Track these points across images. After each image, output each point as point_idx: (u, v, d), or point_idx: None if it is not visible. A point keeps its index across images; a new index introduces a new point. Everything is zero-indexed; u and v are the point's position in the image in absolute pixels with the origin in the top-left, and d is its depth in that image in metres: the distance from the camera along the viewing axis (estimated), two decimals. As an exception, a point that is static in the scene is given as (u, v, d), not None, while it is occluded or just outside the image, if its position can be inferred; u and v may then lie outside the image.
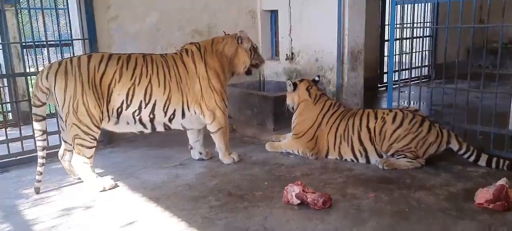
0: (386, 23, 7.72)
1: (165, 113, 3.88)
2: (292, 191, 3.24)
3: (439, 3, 5.19)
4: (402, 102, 5.22)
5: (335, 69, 5.52)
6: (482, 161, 3.91)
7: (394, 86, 5.02)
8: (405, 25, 4.94)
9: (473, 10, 4.17)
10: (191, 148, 4.40)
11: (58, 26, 5.22)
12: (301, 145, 4.38)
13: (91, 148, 3.64)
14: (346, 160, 4.23)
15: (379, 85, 8.16)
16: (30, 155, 4.35)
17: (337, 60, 5.45)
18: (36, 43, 5.11)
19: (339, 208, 3.18)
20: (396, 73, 4.92)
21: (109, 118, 3.74)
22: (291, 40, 6.08)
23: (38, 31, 6.69)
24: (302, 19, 5.87)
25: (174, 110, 3.91)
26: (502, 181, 3.15)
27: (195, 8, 5.74)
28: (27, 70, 6.08)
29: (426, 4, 5.04)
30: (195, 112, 4.01)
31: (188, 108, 3.97)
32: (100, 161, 4.34)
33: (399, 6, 4.73)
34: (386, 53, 7.93)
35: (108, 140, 4.95)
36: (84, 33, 4.82)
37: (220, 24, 5.98)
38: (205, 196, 3.46)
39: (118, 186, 3.74)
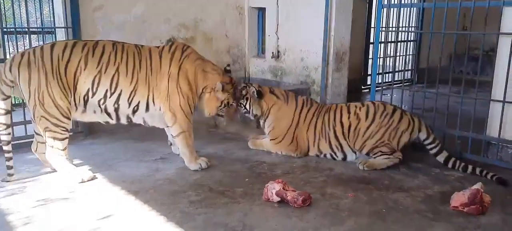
0: (372, 26, 7.80)
1: (129, 104, 3.77)
2: (273, 189, 3.25)
3: (424, 8, 5.26)
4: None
5: (320, 70, 5.55)
6: (441, 157, 4.06)
7: (377, 88, 5.09)
8: (390, 29, 4.99)
9: (457, 17, 4.24)
10: (171, 143, 4.33)
11: (41, 13, 5.11)
12: (284, 148, 4.38)
13: (63, 139, 3.56)
14: (325, 155, 4.29)
15: (362, 87, 8.24)
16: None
17: (322, 60, 5.48)
18: (17, 29, 4.99)
19: (319, 206, 3.20)
20: (380, 75, 4.97)
21: (76, 107, 3.66)
22: (278, 38, 6.09)
23: (20, 18, 6.54)
24: (289, 18, 5.88)
25: (138, 103, 3.79)
26: (477, 186, 3.22)
27: (182, 1, 5.70)
28: (8, 57, 5.95)
29: (412, 8, 5.10)
30: (159, 109, 3.87)
31: (153, 102, 3.83)
32: (79, 153, 4.29)
33: (385, 9, 4.78)
34: (370, 56, 8.02)
35: (88, 131, 4.89)
36: (68, 21, 4.74)
37: (207, 18, 5.97)
38: (185, 191, 3.44)
39: (97, 177, 3.69)
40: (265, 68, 6.35)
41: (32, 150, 3.86)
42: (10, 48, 6.19)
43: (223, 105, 4.09)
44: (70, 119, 3.60)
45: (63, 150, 3.57)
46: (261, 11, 6.45)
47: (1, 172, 3.68)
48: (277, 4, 5.97)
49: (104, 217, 2.99)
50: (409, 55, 8.63)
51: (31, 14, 6.31)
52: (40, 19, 4.97)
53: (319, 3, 5.39)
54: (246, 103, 4.39)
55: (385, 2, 4.76)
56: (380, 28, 4.82)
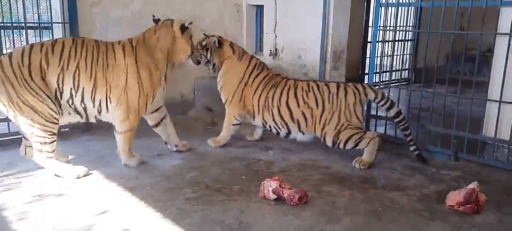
0: (370, 24, 7.80)
1: (93, 103, 3.66)
2: (269, 186, 3.26)
3: (422, 8, 5.26)
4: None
5: (317, 68, 5.55)
6: (392, 111, 4.21)
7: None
8: (388, 28, 4.99)
9: (454, 16, 4.25)
10: (166, 143, 4.32)
11: (38, 8, 5.08)
12: (235, 109, 4.47)
13: (51, 143, 3.50)
14: (270, 128, 4.42)
15: (360, 86, 8.23)
16: (3, 139, 4.24)
17: (320, 59, 5.48)
18: (14, 24, 4.97)
19: (315, 204, 3.21)
20: (377, 75, 4.98)
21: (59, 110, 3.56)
22: (276, 36, 6.08)
23: (17, 13, 6.50)
24: (287, 16, 5.88)
25: (100, 101, 3.68)
26: (473, 185, 3.24)
27: (179, -2, 5.68)
28: (4, 52, 5.92)
29: (410, 8, 5.11)
30: (116, 105, 3.74)
31: (110, 101, 3.70)
32: (76, 149, 4.28)
33: (383, 8, 4.78)
34: (368, 55, 8.02)
35: (85, 127, 4.87)
36: (65, 17, 4.72)
37: (205, 15, 5.95)
38: (181, 187, 3.44)
39: (92, 173, 3.67)
40: (262, 66, 6.34)
41: (21, 153, 3.81)
42: (7, 44, 6.16)
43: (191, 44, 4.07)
44: (56, 122, 3.50)
45: (52, 152, 3.52)
46: (259, 8, 6.44)
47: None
48: (275, 1, 5.96)
49: (100, 213, 2.98)
50: (406, 54, 8.65)
51: (28, 9, 6.28)
52: (37, 14, 4.96)
53: (317, 1, 5.38)
54: (207, 53, 4.46)
55: (383, 1, 4.76)
56: (378, 27, 4.82)
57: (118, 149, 3.88)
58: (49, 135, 3.46)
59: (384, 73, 7.98)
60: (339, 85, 4.24)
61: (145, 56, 3.79)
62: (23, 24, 4.59)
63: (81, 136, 4.75)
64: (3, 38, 6.13)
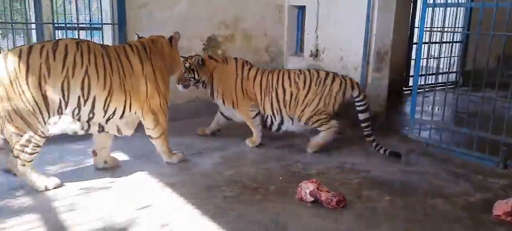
0: (416, 25, 7.57)
1: (105, 112, 3.47)
2: (306, 188, 3.25)
3: (471, 8, 5.04)
4: (427, 108, 5.14)
5: (359, 69, 5.45)
6: (363, 115, 4.40)
7: (419, 90, 4.94)
8: (434, 29, 4.82)
9: (506, 17, 4.04)
10: (95, 154, 3.81)
11: (89, 10, 5.35)
12: (245, 103, 4.55)
13: (33, 154, 3.25)
14: (267, 118, 4.55)
15: (404, 88, 8.01)
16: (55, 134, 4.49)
17: (362, 60, 5.38)
18: (67, 25, 5.25)
19: (353, 209, 3.17)
20: (422, 77, 4.83)
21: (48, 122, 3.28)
22: (317, 37, 6.04)
23: (70, 14, 6.87)
24: (329, 16, 5.82)
25: (115, 109, 3.51)
26: (523, 195, 3.07)
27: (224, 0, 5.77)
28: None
29: (458, 8, 4.91)
30: (135, 114, 3.68)
31: (130, 108, 3.60)
32: (121, 145, 4.44)
33: (429, 8, 4.63)
34: (413, 56, 7.78)
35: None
36: (114, 18, 4.93)
37: (247, 17, 6.01)
38: (219, 186, 3.51)
39: (64, 185, 3.42)
40: (302, 67, 6.30)
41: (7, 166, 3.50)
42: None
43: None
44: (44, 137, 3.25)
45: (30, 162, 3.26)
46: (301, 9, 6.42)
47: (48, 160, 3.90)
48: (318, 2, 5.92)
49: (142, 207, 3.10)
50: (454, 56, 8.31)
51: (81, 10, 6.62)
52: (88, 15, 5.22)
53: (361, 2, 5.29)
54: (194, 73, 4.55)
55: (430, 1, 4.61)
56: (424, 28, 4.67)
57: (158, 151, 3.95)
58: (34, 146, 3.21)
59: (430, 76, 7.76)
60: (328, 73, 4.48)
61: (159, 61, 3.78)
62: (76, 25, 4.83)
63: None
64: (57, 38, 6.52)
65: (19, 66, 3.06)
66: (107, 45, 3.69)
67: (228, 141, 4.67)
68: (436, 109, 5.23)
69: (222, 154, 4.31)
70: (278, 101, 4.47)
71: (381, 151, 4.32)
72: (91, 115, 3.40)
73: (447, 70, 8.03)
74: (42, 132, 3.22)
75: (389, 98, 5.67)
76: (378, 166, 4.08)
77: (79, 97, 3.27)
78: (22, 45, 3.26)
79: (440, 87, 5.13)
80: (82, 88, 3.27)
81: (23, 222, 2.81)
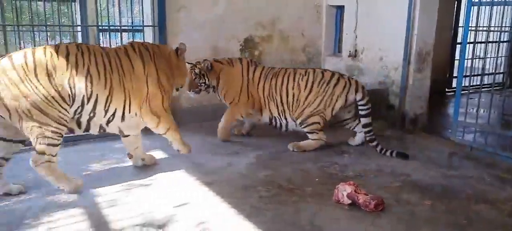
0: (460, 24, 7.28)
1: (106, 113, 3.43)
2: (344, 191, 3.20)
3: (521, 5, 4.80)
4: (471, 110, 4.94)
5: (400, 70, 5.32)
6: (365, 120, 4.37)
7: (463, 91, 4.75)
8: (480, 28, 4.62)
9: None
10: (131, 156, 3.92)
11: (131, 12, 5.51)
12: (242, 108, 4.60)
13: (57, 145, 3.24)
14: (275, 120, 4.60)
15: (447, 89, 7.73)
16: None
17: (403, 60, 5.24)
18: (111, 27, 5.45)
19: (392, 212, 3.09)
20: (467, 78, 4.64)
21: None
22: (356, 37, 5.94)
23: (113, 17, 7.10)
24: (369, 16, 5.71)
25: (115, 110, 3.47)
26: None
27: (261, 0, 5.79)
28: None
29: (505, 7, 4.69)
30: (135, 115, 3.60)
31: (129, 110, 3.54)
32: (160, 144, 4.54)
33: (475, 7, 4.44)
34: (457, 57, 7.50)
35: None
36: (155, 20, 5.06)
37: (284, 17, 6.00)
38: (255, 186, 3.52)
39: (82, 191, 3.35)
40: (341, 67, 6.23)
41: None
42: (104, 45, 6.77)
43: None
44: (65, 125, 3.26)
45: (55, 156, 3.25)
46: (340, 9, 6.34)
47: (92, 157, 4.05)
48: (357, 1, 5.82)
49: (180, 204, 3.16)
50: (500, 57, 7.93)
51: (123, 13, 6.83)
52: (130, 18, 5.38)
53: (402, 0, 5.15)
54: (205, 79, 4.59)
55: (476, 0, 4.42)
56: (469, 27, 4.49)
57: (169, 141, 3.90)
58: (58, 136, 3.22)
59: (475, 77, 7.44)
60: (334, 74, 4.46)
61: (163, 64, 3.73)
62: (119, 27, 4.99)
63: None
64: (101, 40, 6.78)
65: (26, 64, 3.10)
66: (107, 47, 3.74)
67: (264, 141, 4.68)
68: (481, 111, 5.01)
69: (257, 154, 4.32)
70: (282, 103, 4.51)
71: (388, 154, 4.26)
72: (92, 115, 3.39)
73: (493, 71, 7.68)
74: (65, 120, 3.23)
75: (431, 99, 5.50)
76: (418, 169, 3.96)
77: (83, 96, 3.29)
78: (25, 49, 3.29)
79: (486, 89, 4.92)
80: (86, 87, 3.28)
81: (68, 216, 2.94)
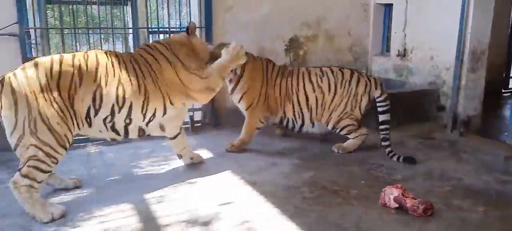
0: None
1: (144, 116, 3.42)
2: (390, 194, 3.12)
3: None
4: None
5: (452, 70, 5.10)
6: (384, 117, 4.25)
7: (521, 92, 4.47)
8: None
9: None
10: (180, 156, 3.99)
11: (179, 14, 5.68)
12: (261, 111, 4.40)
13: (47, 172, 2.97)
14: (288, 121, 4.48)
15: (503, 90, 7.32)
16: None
17: (455, 59, 5.02)
18: (160, 29, 5.64)
19: (441, 218, 2.97)
20: (525, 78, 4.37)
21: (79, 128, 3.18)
22: (405, 35, 5.77)
23: (163, 19, 7.34)
24: (419, 14, 5.53)
25: (155, 110, 3.46)
26: None
27: (306, 0, 5.75)
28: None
29: None
30: (183, 105, 3.65)
31: (171, 103, 3.53)
32: (206, 143, 4.65)
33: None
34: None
35: (214, 123, 5.27)
36: (202, 21, 5.17)
37: (330, 17, 5.94)
38: (299, 186, 3.50)
39: (65, 216, 2.98)
40: (388, 67, 6.07)
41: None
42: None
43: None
44: (66, 149, 3.04)
45: (39, 182, 2.94)
46: (388, 7, 6.17)
47: (142, 155, 4.20)
48: (406, -1, 5.66)
49: (224, 203, 3.21)
50: None
51: (172, 15, 7.05)
52: (179, 20, 5.54)
53: (454, -3, 4.95)
54: None
55: (536, -6, 4.16)
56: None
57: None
58: (52, 160, 2.95)
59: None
60: (353, 73, 4.37)
61: (182, 52, 3.61)
62: (168, 29, 5.15)
63: (211, 131, 5.15)
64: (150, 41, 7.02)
65: (51, 73, 2.96)
66: (131, 53, 3.62)
67: (308, 142, 4.65)
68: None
69: (301, 155, 4.30)
70: (299, 105, 4.39)
71: (395, 158, 4.09)
72: (128, 121, 3.34)
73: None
74: (68, 141, 3.02)
75: (485, 100, 5.23)
76: (471, 173, 3.78)
77: (113, 105, 3.21)
78: (52, 55, 3.15)
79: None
80: (117, 97, 3.21)
81: (119, 211, 3.07)
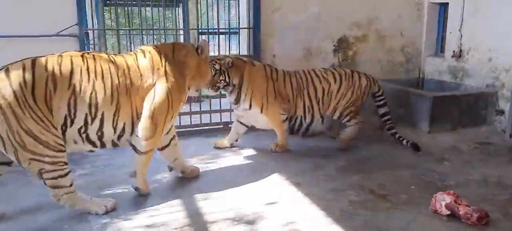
0: None
1: (115, 129, 3.08)
2: (442, 200, 2.99)
3: None
4: None
5: (512, 72, 4.81)
6: (382, 110, 4.61)
7: None
8: None
9: None
10: (171, 169, 3.73)
11: (229, 16, 5.76)
12: (276, 106, 4.32)
13: (66, 174, 2.92)
14: (296, 119, 4.46)
15: None
16: (196, 128, 4.95)
17: (517, 61, 4.73)
18: (209, 30, 5.75)
19: (497, 227, 2.81)
20: None
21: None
22: (461, 36, 5.50)
23: (212, 20, 7.48)
24: (476, 13, 5.26)
25: (124, 125, 3.11)
26: None
27: (357, 0, 5.65)
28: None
29: None
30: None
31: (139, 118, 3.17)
32: (249, 142, 4.68)
33: None
34: None
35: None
36: (250, 22, 5.22)
37: (381, 16, 5.79)
38: (344, 189, 3.45)
39: (117, 209, 3.13)
40: (443, 69, 5.82)
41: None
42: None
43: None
44: (65, 151, 2.91)
45: (71, 186, 2.96)
46: (443, 6, 5.92)
47: (202, 149, 4.33)
48: (463, -2, 5.40)
49: (269, 203, 3.22)
50: None
51: (221, 17, 7.17)
52: (227, 21, 5.63)
53: (517, -5, 4.67)
54: (224, 76, 4.17)
55: None
56: None
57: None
58: (61, 165, 2.88)
59: None
60: (352, 71, 4.59)
61: (175, 72, 3.27)
62: (216, 30, 5.25)
63: (256, 131, 5.17)
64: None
65: (25, 82, 2.73)
66: (115, 54, 3.27)
67: (355, 144, 4.55)
68: None
69: (348, 157, 4.23)
70: (310, 99, 4.41)
71: (404, 142, 4.44)
72: (99, 133, 3.04)
73: None
74: (61, 147, 2.87)
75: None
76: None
77: (86, 115, 2.94)
78: (24, 60, 2.83)
79: None
80: (90, 106, 2.94)
81: (168, 206, 3.17)
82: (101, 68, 3.00)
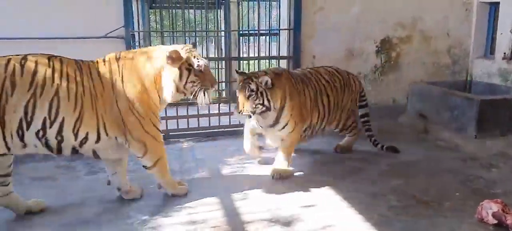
0: None
1: (76, 136, 2.90)
2: (489, 208, 2.86)
3: None
4: None
5: None
6: (363, 111, 4.41)
7: None
8: None
9: None
10: (109, 182, 3.36)
11: (269, 17, 5.80)
12: (301, 127, 3.83)
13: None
14: (311, 132, 4.10)
15: None
16: (236, 128, 5.01)
17: None
18: (250, 32, 5.81)
19: (549, 240, 2.65)
20: None
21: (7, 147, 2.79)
22: (513, 37, 5.23)
23: (253, 22, 7.55)
24: (531, 13, 4.98)
25: (87, 134, 2.93)
26: None
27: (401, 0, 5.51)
28: (241, 56, 6.98)
29: None
30: (116, 139, 3.05)
31: (106, 133, 2.99)
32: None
33: None
34: None
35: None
36: (291, 23, 5.21)
37: (426, 16, 5.61)
38: (385, 194, 3.37)
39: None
40: (492, 71, 5.55)
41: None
42: (243, 48, 7.24)
43: (187, 75, 3.09)
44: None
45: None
46: (494, 6, 5.65)
47: (229, 152, 4.37)
48: (517, -3, 5.12)
49: (306, 205, 3.20)
50: None
51: (262, 18, 7.22)
52: (268, 22, 5.66)
53: None
54: (262, 99, 3.47)
55: None
56: None
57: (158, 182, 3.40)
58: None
59: None
60: (347, 72, 4.34)
61: (134, 78, 3.05)
62: (257, 31, 5.29)
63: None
64: (241, 44, 7.28)
65: None
66: (82, 61, 3.03)
67: (398, 148, 4.42)
68: None
69: (390, 162, 4.12)
70: (323, 108, 4.02)
71: (379, 146, 4.33)
72: (59, 138, 2.87)
73: None
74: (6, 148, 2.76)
75: None
76: None
77: (45, 118, 2.79)
78: None
79: None
80: (50, 110, 2.79)
81: (206, 204, 3.24)
82: (67, 72, 2.86)
